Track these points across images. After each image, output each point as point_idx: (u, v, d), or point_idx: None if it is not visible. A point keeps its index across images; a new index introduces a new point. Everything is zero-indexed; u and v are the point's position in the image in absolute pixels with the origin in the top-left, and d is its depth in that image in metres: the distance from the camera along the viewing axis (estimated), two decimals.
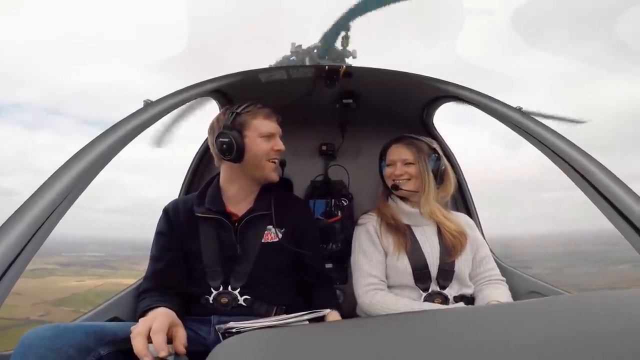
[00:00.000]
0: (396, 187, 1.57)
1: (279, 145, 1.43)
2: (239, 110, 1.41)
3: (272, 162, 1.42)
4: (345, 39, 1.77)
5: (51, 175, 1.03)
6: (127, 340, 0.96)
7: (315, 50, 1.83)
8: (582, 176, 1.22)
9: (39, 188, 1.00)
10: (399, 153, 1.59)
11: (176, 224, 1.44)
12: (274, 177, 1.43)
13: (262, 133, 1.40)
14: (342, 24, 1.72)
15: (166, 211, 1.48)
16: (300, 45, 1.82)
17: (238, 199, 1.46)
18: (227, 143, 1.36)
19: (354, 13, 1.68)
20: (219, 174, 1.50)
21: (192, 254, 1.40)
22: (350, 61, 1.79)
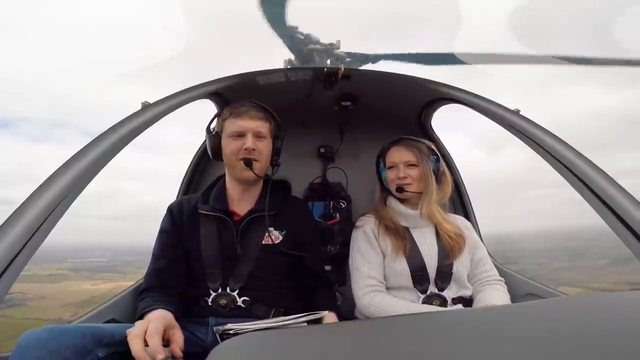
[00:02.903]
0: (401, 190, 1.55)
1: (248, 143, 1.36)
2: (220, 113, 1.46)
3: (244, 161, 1.38)
4: (308, 37, 1.74)
5: (50, 176, 1.03)
6: (124, 342, 0.96)
7: (297, 61, 1.82)
8: (580, 179, 1.23)
9: (37, 188, 1.00)
10: (401, 155, 1.59)
11: (179, 221, 1.44)
12: (247, 175, 1.39)
13: (230, 133, 1.39)
14: (282, 31, 1.69)
15: (170, 209, 1.49)
16: (290, 60, 1.82)
17: (240, 198, 1.46)
18: (208, 145, 1.46)
19: (275, 18, 1.64)
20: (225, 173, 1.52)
21: (192, 253, 1.40)
22: (338, 52, 1.77)
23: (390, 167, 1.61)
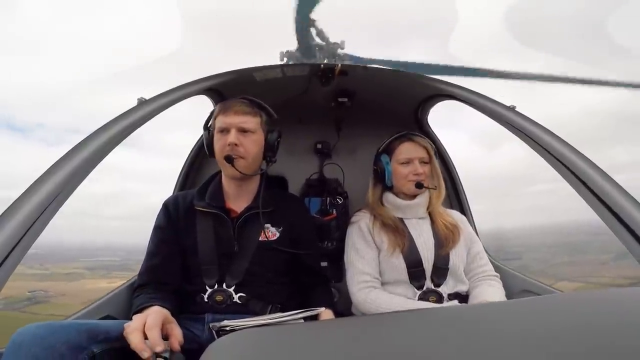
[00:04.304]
0: (421, 186, 1.55)
1: (230, 138, 1.33)
2: (214, 110, 1.44)
3: (226, 157, 1.35)
4: (320, 33, 1.74)
5: (46, 171, 1.02)
6: (120, 338, 0.96)
7: (298, 52, 1.80)
8: (576, 175, 1.24)
9: (31, 185, 0.99)
10: (416, 151, 1.58)
11: (175, 217, 1.43)
12: (230, 172, 1.37)
13: (218, 129, 1.38)
14: (303, 20, 1.69)
15: (166, 205, 1.47)
16: (288, 51, 1.79)
17: (236, 195, 1.45)
18: (205, 142, 1.45)
19: (305, 6, 1.64)
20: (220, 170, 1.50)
21: (189, 249, 1.39)
22: (340, 52, 1.76)
23: (403, 163, 1.59)
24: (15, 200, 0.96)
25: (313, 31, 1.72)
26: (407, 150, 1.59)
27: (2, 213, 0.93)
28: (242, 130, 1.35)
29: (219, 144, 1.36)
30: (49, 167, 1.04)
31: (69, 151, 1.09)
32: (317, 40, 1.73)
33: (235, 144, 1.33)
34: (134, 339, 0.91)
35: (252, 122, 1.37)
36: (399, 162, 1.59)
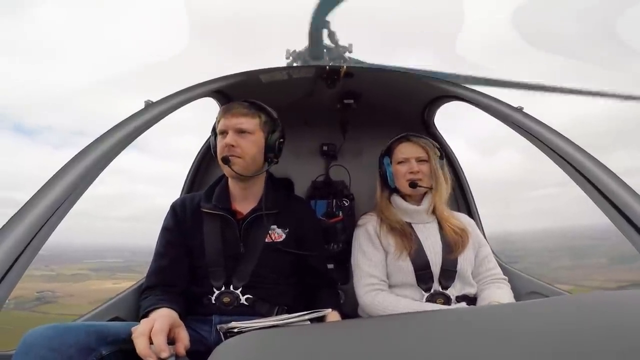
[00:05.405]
0: (415, 185, 1.55)
1: (226, 139, 1.35)
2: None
3: (222, 158, 1.37)
4: (332, 35, 1.74)
5: (54, 175, 1.03)
6: (128, 340, 0.96)
7: (308, 54, 1.81)
8: (584, 176, 1.23)
9: (42, 186, 1.00)
10: (413, 151, 1.58)
11: (182, 219, 1.44)
12: (228, 173, 1.40)
13: (218, 131, 1.40)
14: (319, 22, 1.70)
15: (174, 207, 1.48)
16: (295, 50, 1.80)
17: (242, 197, 1.46)
18: (211, 145, 1.47)
19: (325, 8, 1.65)
20: None
21: (195, 250, 1.39)
22: (347, 56, 1.77)
23: (400, 162, 1.59)
24: (26, 203, 0.96)
25: (325, 32, 1.73)
26: (404, 149, 1.60)
27: (13, 216, 0.94)
28: (240, 132, 1.37)
29: (219, 146, 1.38)
30: (57, 170, 1.05)
31: (77, 154, 1.09)
32: (328, 42, 1.74)
33: (232, 145, 1.34)
34: (140, 344, 0.92)
35: (249, 123, 1.38)
36: (397, 161, 1.60)
